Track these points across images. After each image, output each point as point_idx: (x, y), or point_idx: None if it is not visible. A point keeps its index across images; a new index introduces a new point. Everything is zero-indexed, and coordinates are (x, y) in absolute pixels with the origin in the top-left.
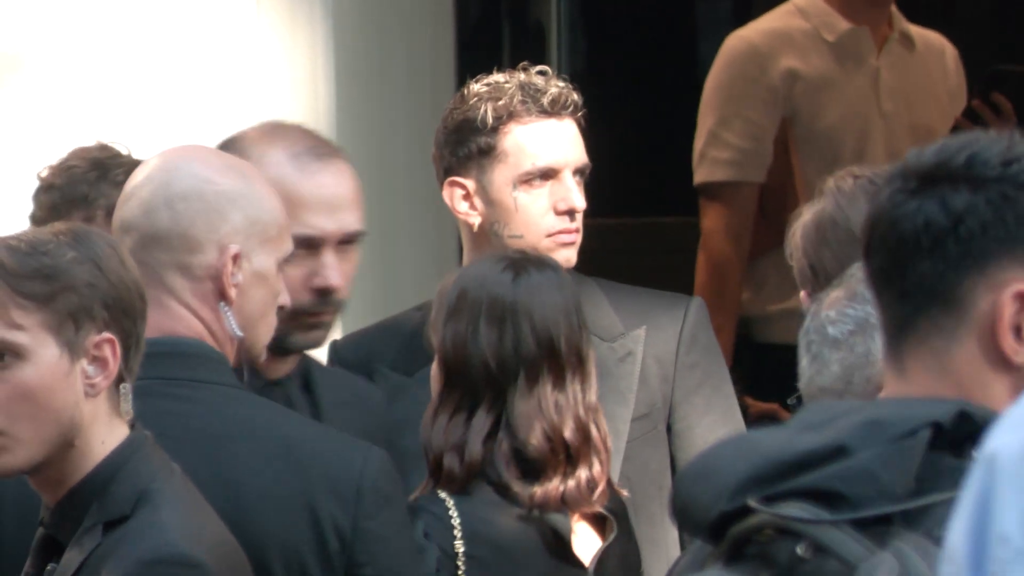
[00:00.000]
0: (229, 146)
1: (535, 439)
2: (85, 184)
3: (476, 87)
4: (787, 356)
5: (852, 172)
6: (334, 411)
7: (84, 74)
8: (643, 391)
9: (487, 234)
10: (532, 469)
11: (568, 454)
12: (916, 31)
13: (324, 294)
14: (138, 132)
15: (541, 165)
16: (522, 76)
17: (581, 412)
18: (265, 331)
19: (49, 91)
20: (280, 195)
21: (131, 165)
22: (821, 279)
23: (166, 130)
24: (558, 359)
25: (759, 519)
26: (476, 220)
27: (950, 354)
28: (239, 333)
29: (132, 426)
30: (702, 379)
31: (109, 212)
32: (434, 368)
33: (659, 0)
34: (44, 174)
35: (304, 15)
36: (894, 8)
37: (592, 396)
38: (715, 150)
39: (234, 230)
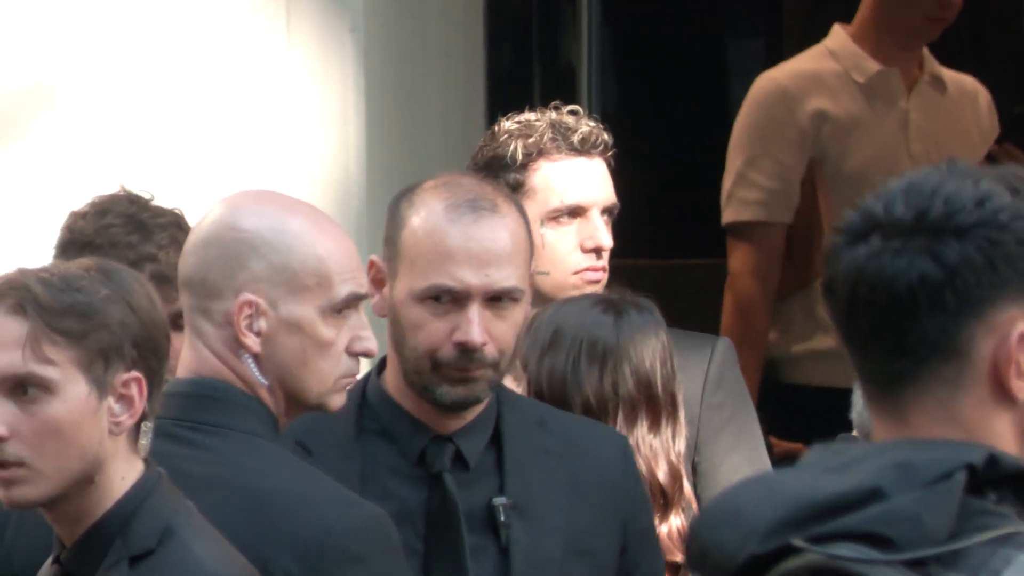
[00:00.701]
0: (406, 192)
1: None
2: (128, 248)
3: (507, 124)
4: (813, 397)
5: None
6: (524, 461)
7: (113, 112)
8: None
9: None
10: None
11: (665, 499)
12: (948, 74)
13: (466, 350)
14: (167, 171)
15: (569, 202)
16: (553, 115)
17: (673, 458)
18: (314, 379)
19: (76, 129)
20: (432, 245)
21: (168, 218)
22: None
23: (195, 169)
24: (655, 402)
25: (804, 560)
26: None
27: (956, 401)
28: (262, 380)
29: (147, 463)
30: (728, 419)
31: (153, 274)
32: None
33: (690, 41)
34: (74, 224)
35: (335, 54)
36: (925, 51)
37: (682, 445)
38: (743, 190)
39: (253, 277)
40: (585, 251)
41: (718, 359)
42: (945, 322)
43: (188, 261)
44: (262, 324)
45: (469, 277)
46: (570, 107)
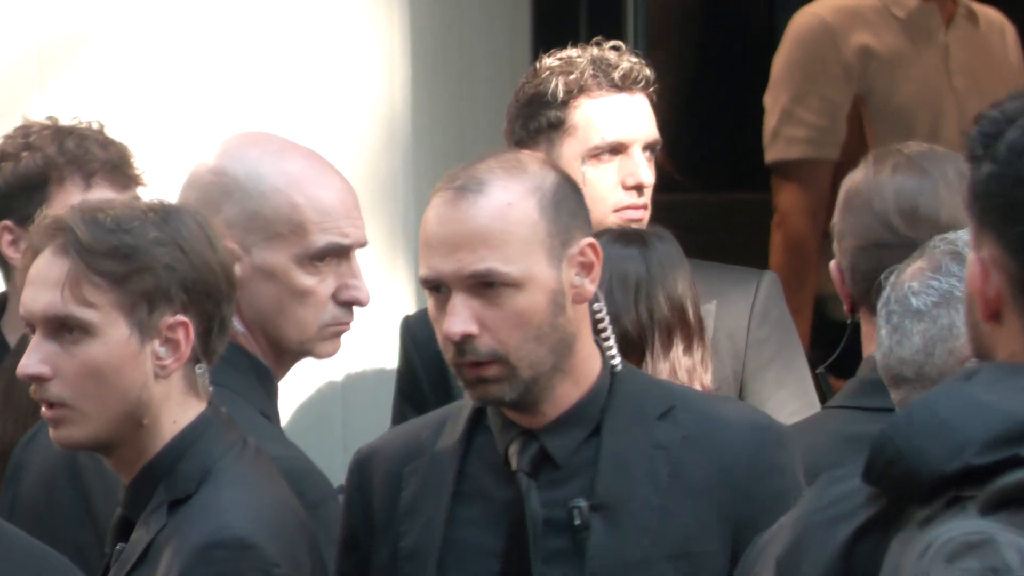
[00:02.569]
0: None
1: None
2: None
3: (549, 61)
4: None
5: (902, 147)
6: (625, 457)
7: (155, 50)
8: (714, 366)
9: None
10: None
11: None
12: (977, 7)
13: (455, 343)
14: (211, 113)
15: (610, 139)
16: (595, 51)
17: (704, 380)
18: (292, 327)
19: (120, 76)
20: (420, 238)
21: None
22: (835, 243)
23: (233, 109)
24: (688, 325)
25: None
26: None
27: None
28: (239, 327)
29: (209, 404)
30: (773, 354)
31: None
32: None
33: None
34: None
35: None
36: None
37: (709, 376)
38: (790, 128)
39: (227, 222)
40: (626, 188)
41: (763, 293)
42: None
43: (178, 202)
44: (236, 270)
45: (440, 264)
46: (612, 43)
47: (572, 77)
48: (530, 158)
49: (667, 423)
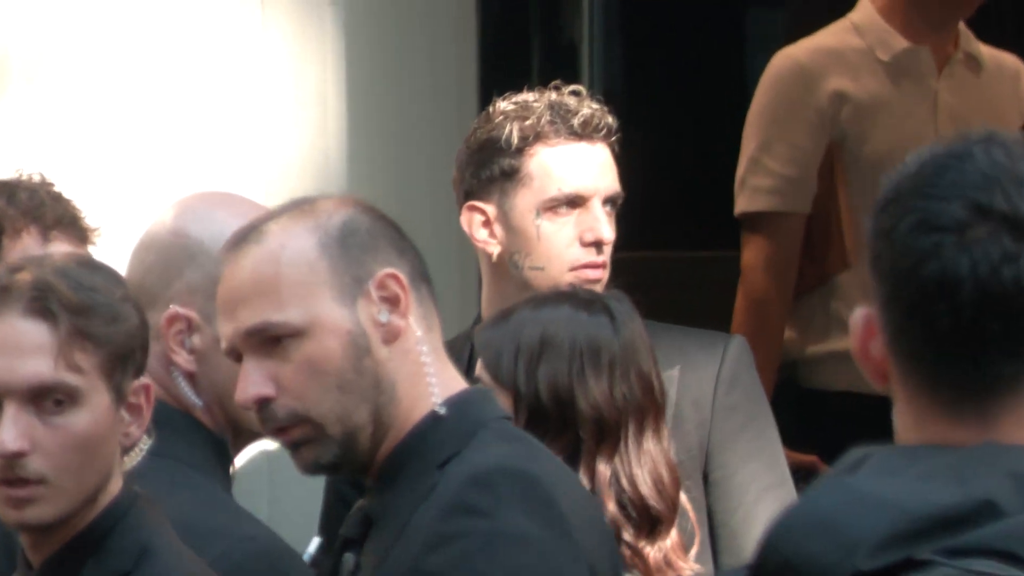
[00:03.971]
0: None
1: (651, 494)
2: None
3: (503, 105)
4: (833, 403)
5: None
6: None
7: (75, 87)
8: (677, 436)
9: (506, 265)
10: (650, 526)
11: (654, 518)
12: (988, 51)
13: (256, 411)
14: (132, 162)
15: (568, 191)
16: (553, 95)
17: (671, 461)
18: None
19: (44, 106)
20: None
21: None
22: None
23: (161, 159)
24: (657, 405)
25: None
26: (495, 249)
27: None
28: (196, 401)
29: (124, 478)
30: (743, 423)
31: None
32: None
33: (703, 15)
34: None
35: (314, 27)
36: (962, 26)
37: (671, 448)
38: (756, 177)
39: (189, 288)
40: (584, 244)
41: (731, 357)
42: None
43: (130, 263)
44: (196, 340)
45: (225, 328)
46: (572, 87)
47: (528, 123)
48: (326, 200)
49: (440, 473)
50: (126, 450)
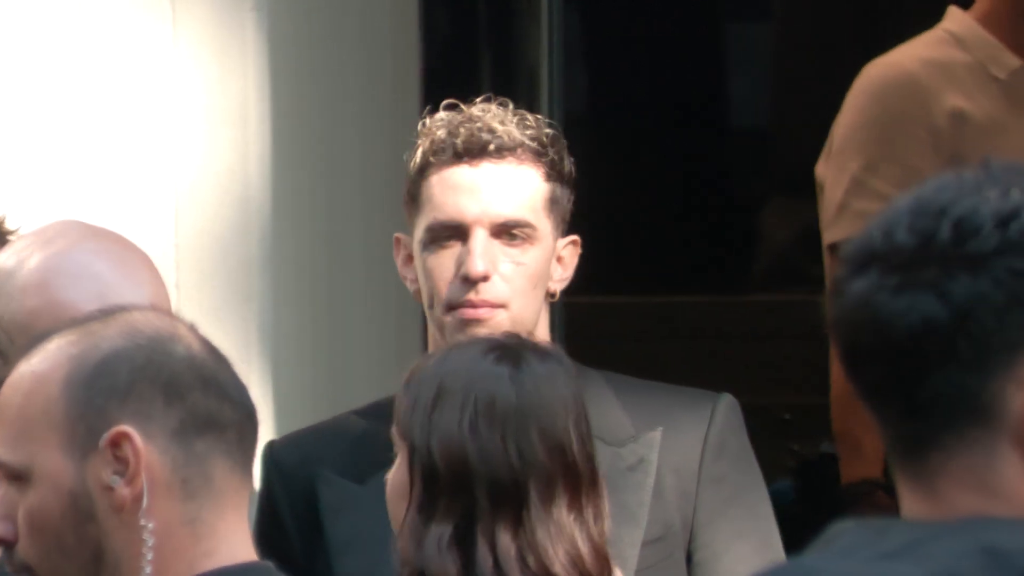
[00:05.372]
0: None
1: (561, 571)
2: None
3: (429, 121)
4: None
5: None
6: None
7: None
8: (657, 509)
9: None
10: None
11: None
12: None
13: None
14: (27, 184)
15: (442, 219)
16: (473, 110)
17: (596, 537)
18: None
19: None
20: None
21: None
22: None
23: (59, 182)
24: (573, 473)
25: None
26: (413, 288)
27: (992, 469)
28: None
29: None
30: (731, 496)
31: None
32: (398, 475)
33: (680, 29)
34: None
35: (233, 35)
36: None
37: (606, 524)
38: (862, 201)
39: None
40: (461, 281)
41: (720, 420)
42: (961, 376)
43: None
44: None
45: None
46: (499, 100)
47: (427, 145)
48: (117, 317)
49: None
50: None
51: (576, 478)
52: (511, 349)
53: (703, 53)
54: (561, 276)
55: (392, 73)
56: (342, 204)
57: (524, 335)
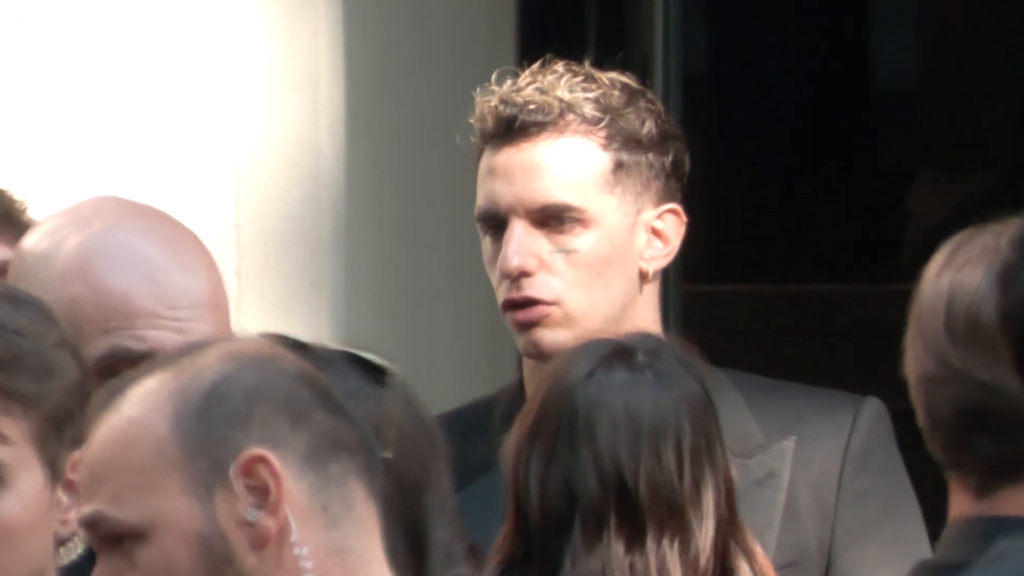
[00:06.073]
0: None
1: None
2: None
3: (478, 95)
4: None
5: (991, 230)
6: None
7: (35, 87)
8: (790, 529)
9: None
10: None
11: None
12: None
13: None
14: (96, 156)
15: (481, 209)
16: (523, 79)
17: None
18: None
19: (12, 96)
20: None
21: None
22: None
23: (126, 145)
24: (633, 504)
25: None
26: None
27: None
28: None
29: None
30: (877, 515)
31: None
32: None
33: None
34: None
35: None
36: None
37: (704, 558)
38: None
39: None
40: (503, 278)
41: (863, 428)
42: None
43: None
44: None
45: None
46: (565, 64)
47: (477, 123)
48: (204, 348)
49: None
50: (62, 541)
51: (636, 510)
52: (620, 349)
53: (842, 6)
54: (660, 252)
55: (485, 28)
56: (426, 180)
57: (616, 335)
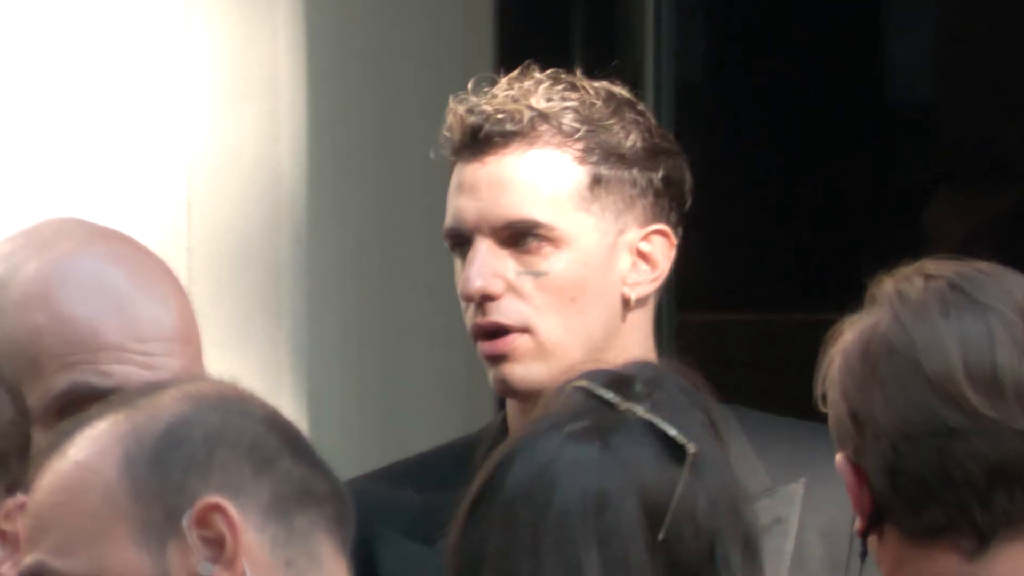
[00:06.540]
0: None
1: None
2: None
3: (451, 104)
4: None
5: (925, 271)
6: None
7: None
8: None
9: None
10: None
11: None
12: None
13: None
14: (36, 176)
15: (448, 226)
16: (499, 86)
17: None
18: None
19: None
20: None
21: None
22: (868, 435)
23: (51, 169)
24: None
25: None
26: None
27: None
28: None
29: None
30: None
31: None
32: None
33: None
34: None
35: (259, 3)
36: None
37: None
38: None
39: None
40: (466, 302)
41: None
42: None
43: None
44: None
45: None
46: (550, 71)
47: (447, 134)
48: (164, 387)
49: None
50: None
51: None
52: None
53: (853, 9)
54: (647, 276)
55: (461, 33)
56: (396, 198)
57: (605, 365)
